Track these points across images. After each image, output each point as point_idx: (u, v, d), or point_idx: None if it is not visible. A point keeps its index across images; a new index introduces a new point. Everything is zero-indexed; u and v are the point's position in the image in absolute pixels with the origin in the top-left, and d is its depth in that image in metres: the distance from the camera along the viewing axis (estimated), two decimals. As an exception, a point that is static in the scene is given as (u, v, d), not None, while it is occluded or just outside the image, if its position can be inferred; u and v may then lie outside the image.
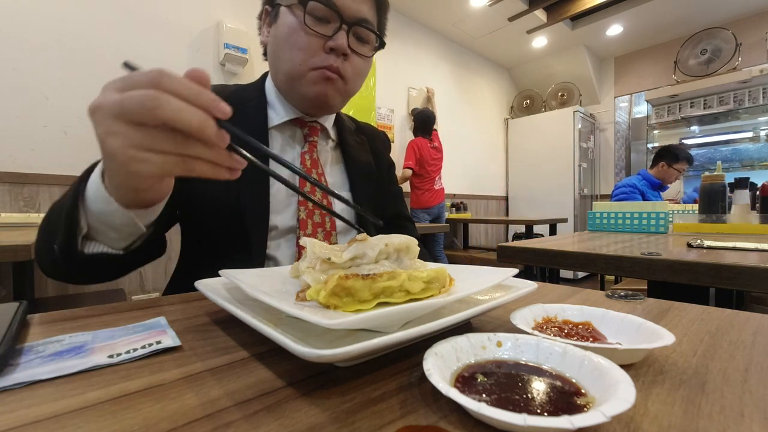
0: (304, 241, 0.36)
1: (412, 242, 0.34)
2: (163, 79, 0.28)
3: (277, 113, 0.65)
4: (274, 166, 0.60)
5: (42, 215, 0.49)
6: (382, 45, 0.65)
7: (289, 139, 0.67)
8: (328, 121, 0.71)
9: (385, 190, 0.80)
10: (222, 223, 0.58)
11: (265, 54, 0.68)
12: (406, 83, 3.28)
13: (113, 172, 0.34)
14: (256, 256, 0.58)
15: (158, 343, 0.29)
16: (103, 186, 0.36)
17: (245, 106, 0.64)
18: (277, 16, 0.60)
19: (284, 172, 0.59)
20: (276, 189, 0.62)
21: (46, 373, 0.23)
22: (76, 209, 0.39)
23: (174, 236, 0.55)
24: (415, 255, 0.34)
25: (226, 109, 0.30)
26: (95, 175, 0.38)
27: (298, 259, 0.47)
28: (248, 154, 0.33)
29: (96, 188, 0.37)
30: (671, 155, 2.49)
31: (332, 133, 0.72)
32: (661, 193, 2.55)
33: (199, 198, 0.58)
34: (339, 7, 0.56)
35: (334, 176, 0.71)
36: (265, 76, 0.70)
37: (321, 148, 0.70)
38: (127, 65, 0.31)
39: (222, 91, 0.65)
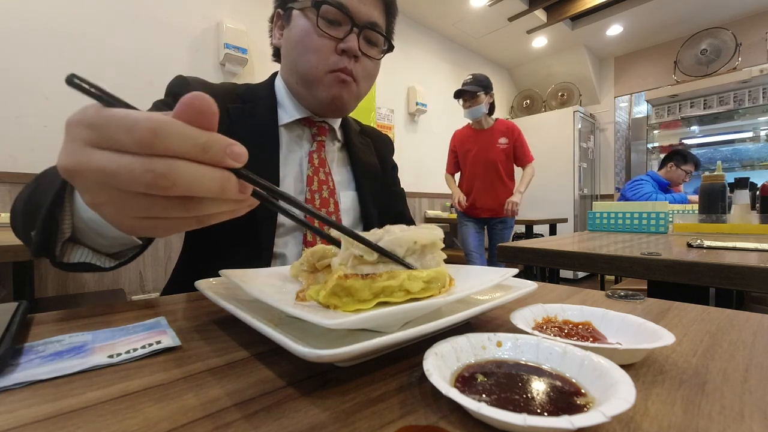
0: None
1: (437, 238, 0.33)
2: (162, 139, 0.20)
3: (287, 112, 0.66)
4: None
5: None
6: (390, 48, 0.67)
7: (297, 138, 0.68)
8: (336, 122, 0.72)
9: (390, 190, 0.82)
10: (231, 219, 0.59)
11: (274, 56, 0.70)
12: (406, 83, 3.28)
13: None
14: (264, 253, 0.59)
15: (158, 343, 0.29)
16: None
17: (256, 104, 0.65)
18: (289, 19, 0.62)
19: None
20: (285, 186, 0.63)
21: (46, 373, 0.23)
22: (60, 207, 0.33)
23: (174, 236, 0.55)
24: (438, 249, 0.33)
25: (241, 154, 0.24)
26: None
27: None
28: (270, 197, 0.28)
29: None
30: (680, 156, 2.50)
31: (339, 134, 0.73)
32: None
33: None
34: (350, 11, 0.58)
35: (341, 175, 0.71)
36: (274, 76, 0.71)
37: (328, 148, 0.71)
38: (75, 82, 0.20)
39: (233, 90, 0.66)
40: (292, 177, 0.65)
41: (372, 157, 0.78)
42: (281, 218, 0.61)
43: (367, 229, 0.71)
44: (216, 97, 0.73)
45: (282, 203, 0.28)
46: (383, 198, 0.78)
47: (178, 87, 0.61)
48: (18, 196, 0.41)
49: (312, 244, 0.62)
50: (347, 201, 0.70)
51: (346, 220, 0.68)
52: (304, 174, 0.65)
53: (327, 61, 0.59)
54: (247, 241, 0.59)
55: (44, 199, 0.33)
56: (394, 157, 0.88)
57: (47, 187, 0.34)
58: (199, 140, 0.22)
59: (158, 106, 0.60)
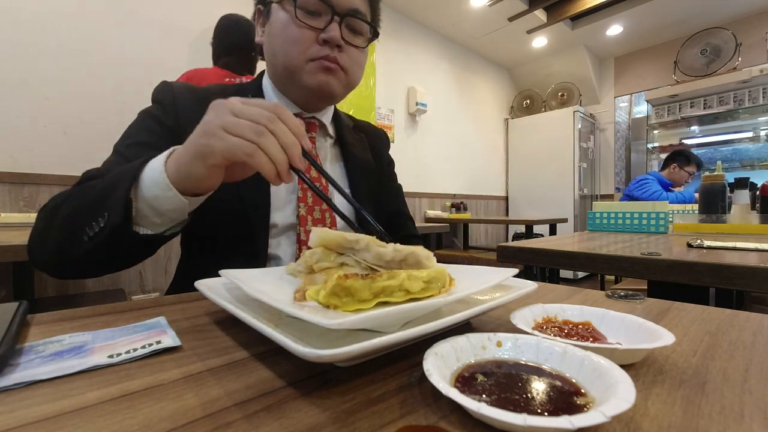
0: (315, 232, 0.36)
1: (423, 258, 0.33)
2: (283, 111, 0.39)
3: None
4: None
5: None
6: (375, 35, 0.65)
7: None
8: (327, 118, 0.71)
9: (386, 187, 0.80)
10: (225, 221, 0.59)
11: (259, 54, 0.69)
12: (406, 83, 3.28)
13: (193, 156, 0.39)
14: (259, 254, 0.58)
15: (158, 343, 0.29)
16: (165, 174, 0.40)
17: None
18: (269, 14, 0.61)
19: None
20: (276, 187, 0.62)
21: (46, 373, 0.23)
22: (129, 194, 0.41)
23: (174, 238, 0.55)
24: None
25: (302, 163, 0.40)
26: (157, 163, 0.41)
27: (299, 256, 0.47)
28: (308, 181, 0.41)
29: (156, 175, 0.41)
30: (683, 157, 2.50)
31: (331, 130, 0.72)
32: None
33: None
34: (330, 0, 0.56)
35: (334, 173, 0.70)
36: (261, 75, 0.70)
37: (320, 145, 0.70)
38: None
39: (223, 91, 0.65)
40: None
41: (366, 153, 0.76)
42: (274, 219, 0.61)
43: (361, 227, 0.70)
44: (205, 100, 0.72)
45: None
46: (379, 195, 0.76)
47: (163, 93, 0.60)
48: (62, 203, 0.46)
49: (305, 243, 0.61)
50: (341, 199, 0.69)
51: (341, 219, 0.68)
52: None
53: (308, 51, 0.58)
54: (243, 243, 0.59)
55: (113, 193, 0.42)
56: (392, 154, 0.87)
57: (114, 183, 0.42)
58: (298, 133, 0.40)
59: (143, 117, 0.60)
